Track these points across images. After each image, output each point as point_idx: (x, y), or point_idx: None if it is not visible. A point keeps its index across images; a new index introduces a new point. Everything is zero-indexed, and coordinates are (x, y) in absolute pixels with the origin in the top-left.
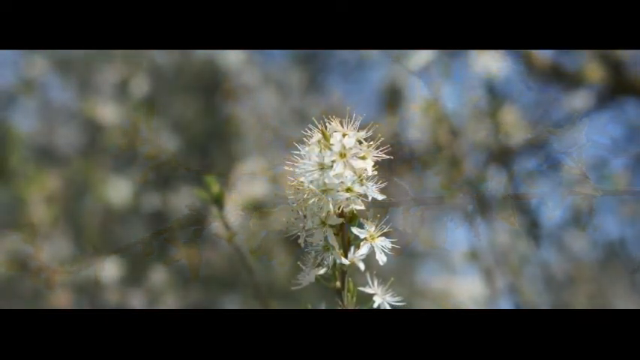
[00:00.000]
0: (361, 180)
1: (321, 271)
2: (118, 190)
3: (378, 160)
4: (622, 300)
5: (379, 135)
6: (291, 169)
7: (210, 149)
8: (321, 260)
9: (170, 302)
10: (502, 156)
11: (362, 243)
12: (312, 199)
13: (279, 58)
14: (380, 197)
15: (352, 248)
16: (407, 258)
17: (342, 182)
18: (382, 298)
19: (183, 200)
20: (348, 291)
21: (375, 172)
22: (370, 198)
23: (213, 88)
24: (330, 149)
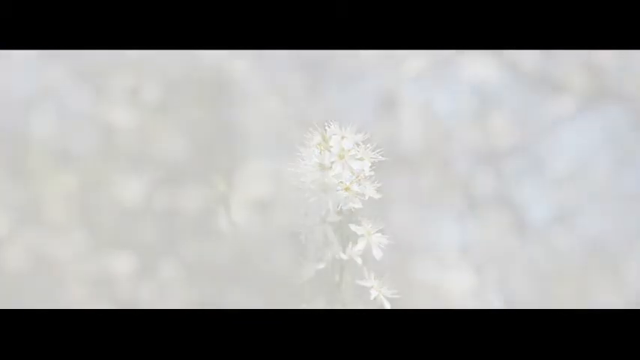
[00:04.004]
0: (359, 180)
1: (321, 266)
2: (131, 189)
3: (374, 161)
4: (605, 294)
5: (376, 138)
6: (293, 169)
7: (217, 151)
8: (321, 255)
9: (178, 296)
10: (491, 157)
11: (359, 239)
12: (313, 198)
13: (281, 65)
14: (376, 196)
15: (350, 244)
16: (401, 254)
17: (341, 182)
18: (378, 291)
19: (192, 199)
20: (346, 284)
21: (372, 173)
22: (367, 197)
23: (219, 94)
24: (329, 151)
